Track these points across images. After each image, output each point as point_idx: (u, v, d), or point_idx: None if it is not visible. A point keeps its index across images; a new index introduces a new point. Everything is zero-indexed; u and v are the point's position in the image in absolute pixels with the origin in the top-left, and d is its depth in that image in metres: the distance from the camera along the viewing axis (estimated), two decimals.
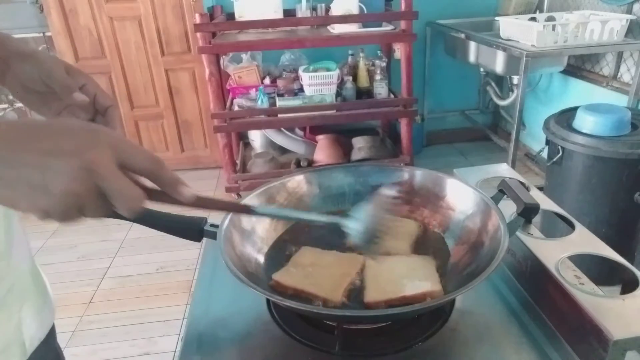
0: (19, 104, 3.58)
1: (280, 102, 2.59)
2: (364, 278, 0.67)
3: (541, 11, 2.78)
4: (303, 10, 2.71)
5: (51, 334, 0.70)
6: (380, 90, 2.69)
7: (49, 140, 0.39)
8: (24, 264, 0.65)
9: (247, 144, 3.24)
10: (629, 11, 2.23)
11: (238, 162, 2.96)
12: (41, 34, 3.07)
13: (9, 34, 0.62)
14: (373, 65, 2.73)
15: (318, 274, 0.67)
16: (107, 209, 0.42)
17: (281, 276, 0.66)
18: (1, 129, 0.39)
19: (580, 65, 2.60)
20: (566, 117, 1.92)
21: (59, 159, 0.38)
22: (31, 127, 0.40)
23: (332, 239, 0.72)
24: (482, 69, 3.05)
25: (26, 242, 0.66)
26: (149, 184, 0.44)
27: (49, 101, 0.61)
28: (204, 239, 0.68)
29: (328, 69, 2.56)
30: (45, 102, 0.61)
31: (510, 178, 0.76)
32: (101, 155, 0.39)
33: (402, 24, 2.58)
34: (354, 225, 0.60)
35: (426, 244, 0.74)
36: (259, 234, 0.73)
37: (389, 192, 0.59)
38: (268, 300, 0.69)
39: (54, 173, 0.38)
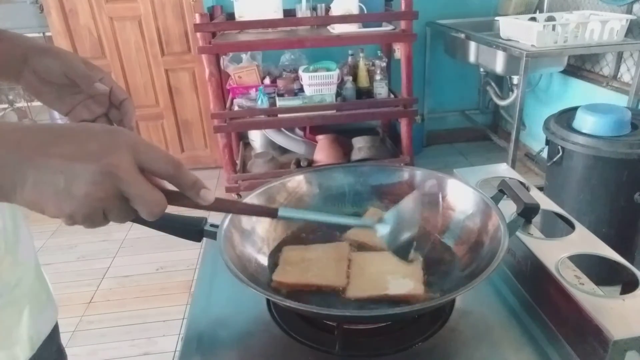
0: (19, 104, 3.58)
1: (280, 102, 2.59)
2: (349, 273, 0.67)
3: (541, 11, 2.78)
4: (303, 10, 2.71)
5: (55, 331, 0.71)
6: (380, 90, 2.69)
7: (71, 145, 0.39)
8: (30, 260, 0.66)
9: (247, 144, 3.24)
10: (629, 11, 2.23)
11: (238, 162, 2.97)
12: (41, 34, 3.07)
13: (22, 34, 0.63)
14: (373, 65, 2.73)
15: (315, 266, 0.68)
16: (131, 213, 0.43)
17: (281, 276, 0.67)
18: (26, 134, 0.39)
19: (580, 65, 2.60)
20: (566, 117, 1.92)
21: (81, 163, 0.39)
22: (54, 131, 0.40)
23: (313, 236, 0.76)
24: (482, 69, 3.05)
25: (31, 240, 0.67)
26: (169, 186, 0.45)
27: (64, 95, 0.62)
28: (204, 239, 0.68)
29: (328, 69, 2.56)
30: (60, 96, 0.62)
31: (510, 178, 0.76)
32: (122, 158, 0.40)
33: (402, 24, 2.58)
34: (384, 228, 0.59)
35: (425, 244, 0.73)
36: (259, 234, 0.73)
37: (423, 194, 0.58)
38: (268, 300, 0.69)
39: (76, 177, 0.39)
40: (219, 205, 0.50)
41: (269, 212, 0.56)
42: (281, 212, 0.54)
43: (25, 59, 0.60)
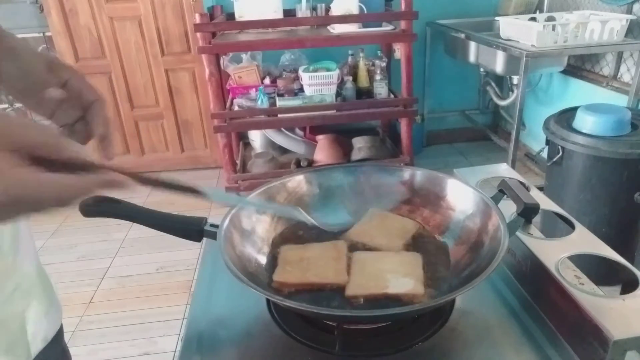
0: (19, 104, 3.58)
1: (280, 102, 2.59)
2: (349, 271, 0.67)
3: (541, 11, 2.78)
4: (303, 10, 2.71)
5: (60, 333, 0.70)
6: (380, 90, 2.69)
7: None
8: (30, 262, 0.65)
9: (247, 144, 3.24)
10: (629, 11, 2.23)
11: (238, 162, 2.96)
12: (41, 34, 3.07)
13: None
14: (373, 65, 2.73)
15: (314, 265, 0.68)
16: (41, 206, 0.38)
17: (281, 276, 0.66)
18: None
19: (580, 65, 2.60)
20: (566, 117, 1.92)
21: None
22: None
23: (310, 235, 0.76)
24: (482, 69, 3.05)
25: (32, 241, 0.66)
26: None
27: (42, 100, 0.57)
28: (204, 239, 0.68)
29: (328, 69, 2.56)
30: (39, 101, 0.58)
31: (510, 178, 0.76)
32: None
33: (402, 24, 2.58)
34: (307, 217, 0.57)
35: (426, 244, 0.74)
36: (259, 234, 0.73)
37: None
38: (268, 300, 0.69)
39: None
40: (117, 169, 0.44)
41: (193, 190, 0.52)
42: (206, 190, 0.51)
43: None
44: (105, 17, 2.91)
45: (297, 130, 3.11)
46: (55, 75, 0.57)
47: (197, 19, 2.44)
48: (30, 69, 0.56)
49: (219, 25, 2.62)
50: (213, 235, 0.65)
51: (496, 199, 0.71)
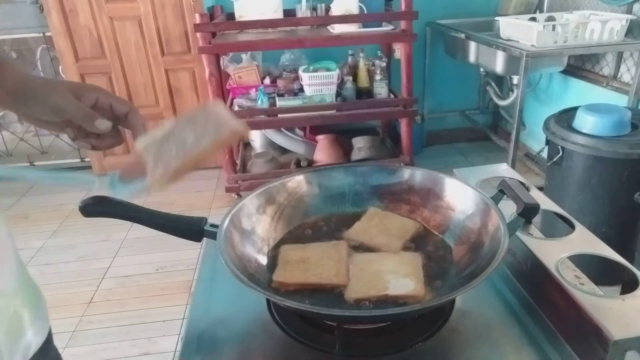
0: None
1: (280, 102, 2.59)
2: (349, 272, 0.67)
3: (541, 11, 2.78)
4: (303, 10, 2.71)
5: (49, 339, 0.68)
6: (380, 90, 2.69)
7: None
8: (9, 267, 0.60)
9: (247, 144, 3.24)
10: (629, 11, 2.23)
11: (238, 162, 2.96)
12: (41, 34, 3.07)
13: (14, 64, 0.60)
14: (373, 65, 2.73)
15: (314, 266, 0.68)
16: None
17: (281, 276, 0.66)
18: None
19: (580, 65, 2.60)
20: (566, 117, 1.92)
21: None
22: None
23: (312, 235, 0.77)
24: (482, 69, 3.05)
25: (10, 239, 0.61)
26: None
27: (72, 124, 0.60)
28: (204, 239, 0.68)
29: (328, 69, 2.56)
30: (62, 128, 0.61)
31: (510, 178, 0.76)
32: None
33: (402, 24, 2.58)
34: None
35: (426, 244, 0.74)
36: (259, 234, 0.73)
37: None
38: (268, 300, 0.69)
39: None
40: None
41: None
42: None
43: (15, 102, 0.58)
44: (105, 17, 2.91)
45: (297, 130, 3.10)
46: (84, 100, 0.59)
47: (197, 19, 2.44)
48: (63, 108, 0.58)
49: (219, 25, 2.62)
50: (213, 235, 0.65)
51: (496, 199, 0.71)
